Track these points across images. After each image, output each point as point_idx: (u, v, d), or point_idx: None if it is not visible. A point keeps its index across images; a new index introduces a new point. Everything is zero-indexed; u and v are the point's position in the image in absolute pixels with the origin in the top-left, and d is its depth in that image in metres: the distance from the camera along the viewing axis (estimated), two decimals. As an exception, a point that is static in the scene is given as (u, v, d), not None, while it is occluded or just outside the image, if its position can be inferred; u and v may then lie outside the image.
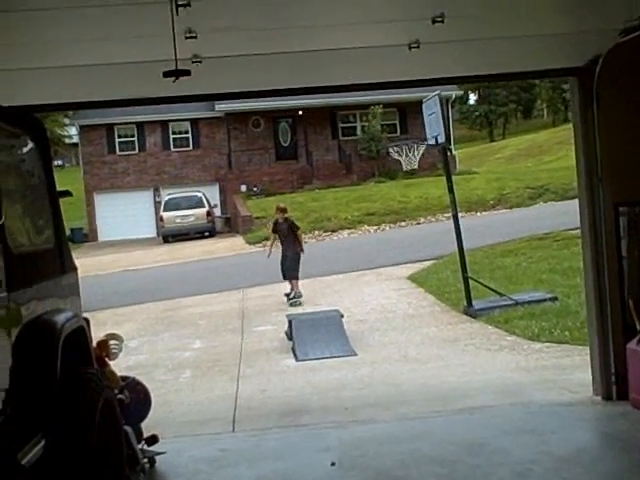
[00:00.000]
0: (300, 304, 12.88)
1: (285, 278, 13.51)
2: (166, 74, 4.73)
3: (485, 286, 11.63)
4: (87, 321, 4.93)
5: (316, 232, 24.27)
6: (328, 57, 5.92)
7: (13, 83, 5.72)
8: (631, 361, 6.15)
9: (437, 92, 11.47)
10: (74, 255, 5.49)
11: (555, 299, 10.80)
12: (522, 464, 5.17)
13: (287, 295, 13.34)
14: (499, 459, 5.33)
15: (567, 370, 7.56)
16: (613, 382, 6.37)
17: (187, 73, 4.75)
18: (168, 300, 15.17)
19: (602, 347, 6.48)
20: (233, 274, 17.95)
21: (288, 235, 13.56)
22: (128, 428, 5.29)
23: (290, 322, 10.14)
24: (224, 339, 10.96)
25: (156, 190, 34.90)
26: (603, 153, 6.38)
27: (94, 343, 5.50)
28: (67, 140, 52.90)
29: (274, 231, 13.93)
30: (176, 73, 4.69)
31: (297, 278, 13.40)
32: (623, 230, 6.54)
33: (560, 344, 8.62)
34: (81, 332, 4.59)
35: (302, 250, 13.54)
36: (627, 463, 5.14)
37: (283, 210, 13.94)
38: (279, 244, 13.84)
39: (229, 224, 31.80)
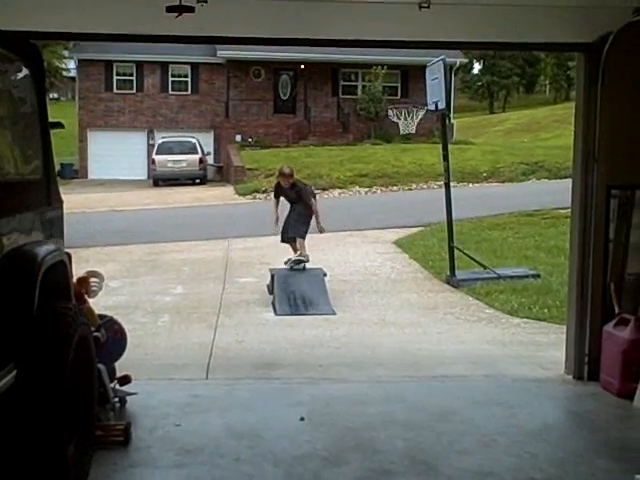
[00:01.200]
0: (304, 268, 10.48)
1: (285, 240, 10.79)
2: (169, 9, 4.66)
3: (470, 257, 11.66)
4: (69, 256, 4.90)
5: (307, 189, 24.24)
6: (336, 10, 5.83)
7: (12, 7, 5.61)
8: (606, 343, 6.21)
9: (442, 57, 11.37)
10: (63, 191, 5.44)
11: (538, 276, 10.86)
12: (488, 435, 5.23)
13: (290, 262, 10.56)
14: (466, 428, 5.38)
15: (542, 347, 7.63)
16: (586, 362, 6.43)
17: (191, 10, 4.69)
18: (153, 244, 15.15)
19: (579, 327, 6.52)
20: (221, 223, 17.91)
21: (298, 201, 10.72)
22: (101, 366, 5.30)
23: (272, 276, 10.16)
24: (206, 287, 10.97)
25: (150, 132, 34.67)
26: (602, 134, 6.35)
27: (74, 279, 5.49)
28: (65, 73, 52.34)
29: (276, 196, 10.96)
30: (179, 9, 4.62)
31: (303, 237, 10.68)
32: (613, 213, 6.54)
33: (538, 321, 8.69)
34: (62, 266, 4.56)
35: (312, 214, 10.59)
36: (592, 442, 5.20)
37: (288, 176, 10.68)
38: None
39: (221, 173, 31.66)
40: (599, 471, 4.66)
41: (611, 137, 6.31)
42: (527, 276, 10.88)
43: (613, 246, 6.56)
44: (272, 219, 10.74)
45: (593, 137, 6.41)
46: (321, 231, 10.82)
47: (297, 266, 10.46)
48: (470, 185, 24.80)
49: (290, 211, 10.79)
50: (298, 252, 10.67)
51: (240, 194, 24.50)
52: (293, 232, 10.63)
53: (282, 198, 10.78)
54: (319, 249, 14.35)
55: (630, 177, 6.36)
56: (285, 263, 10.59)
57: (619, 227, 6.63)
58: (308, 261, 10.61)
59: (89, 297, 5.74)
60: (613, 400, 5.95)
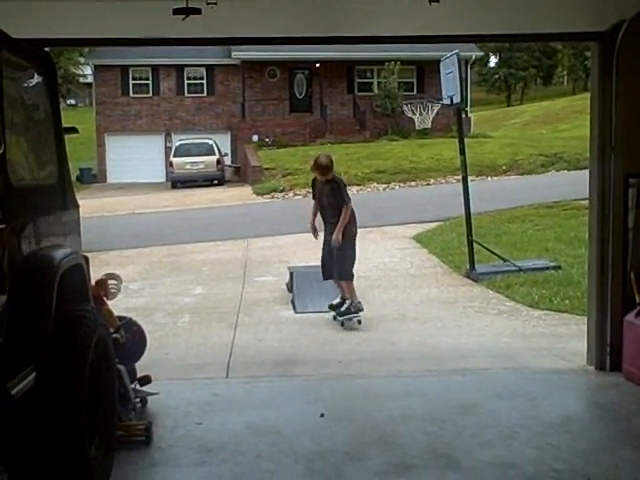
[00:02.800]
0: (359, 322, 8.39)
1: (328, 277, 8.62)
2: (176, 11, 4.68)
3: (489, 250, 11.60)
4: (86, 259, 4.94)
5: (325, 187, 24.24)
6: (347, 7, 5.83)
7: (24, 15, 5.65)
8: (627, 333, 6.16)
9: (456, 51, 11.31)
10: (82, 195, 5.51)
11: (558, 268, 10.78)
12: (510, 427, 5.21)
13: (335, 307, 8.53)
14: (487, 421, 5.36)
15: (563, 338, 7.58)
16: (608, 353, 6.38)
17: (197, 11, 4.70)
18: (172, 245, 15.22)
19: (600, 318, 6.48)
20: (239, 223, 17.96)
21: (333, 205, 8.43)
22: (122, 367, 5.34)
23: (291, 274, 10.16)
24: (225, 287, 11.00)
25: (167, 135, 34.83)
26: (618, 122, 6.30)
27: (93, 282, 5.53)
28: (81, 79, 52.70)
29: (314, 197, 8.75)
30: (186, 11, 4.63)
31: (350, 278, 8.54)
32: (631, 202, 6.49)
33: (559, 312, 8.63)
34: (79, 269, 4.59)
35: (355, 232, 8.59)
36: (614, 433, 5.17)
37: (324, 168, 8.39)
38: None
39: (238, 173, 31.75)
40: (622, 461, 4.63)
41: (627, 126, 6.26)
42: (547, 268, 10.80)
43: (632, 235, 6.50)
44: (309, 226, 8.73)
45: (609, 126, 6.36)
46: (336, 244, 8.33)
47: (347, 319, 8.37)
48: (489, 178, 24.68)
49: (326, 233, 8.57)
50: (346, 301, 8.44)
51: (258, 194, 24.54)
52: (339, 272, 8.48)
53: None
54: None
55: (648, 165, 6.31)
56: (332, 310, 8.55)
57: (638, 216, 6.57)
58: (362, 310, 8.45)
59: (108, 299, 5.77)
60: (636, 390, 5.90)
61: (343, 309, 8.47)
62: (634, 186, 6.47)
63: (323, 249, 8.65)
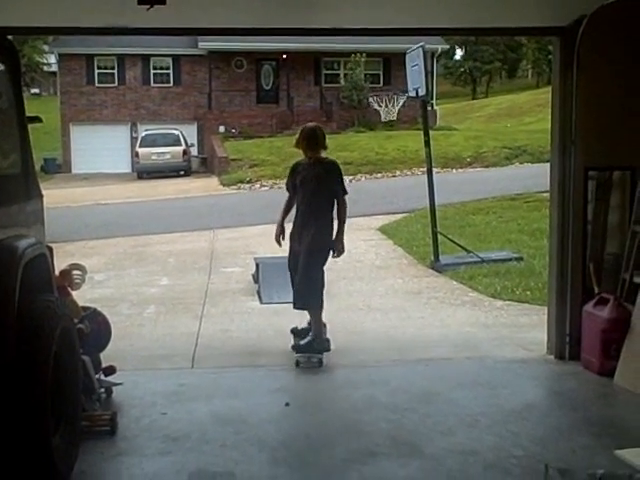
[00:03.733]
0: (320, 364, 6.46)
1: (298, 306, 6.73)
2: (141, 1, 4.66)
3: (453, 242, 11.73)
4: (50, 249, 4.93)
5: (291, 178, 24.27)
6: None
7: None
8: (586, 323, 6.30)
9: (421, 44, 11.39)
10: (46, 186, 5.48)
11: (520, 259, 10.94)
12: (471, 415, 5.30)
13: (297, 334, 6.87)
14: (449, 409, 5.45)
15: (524, 328, 7.71)
16: (567, 342, 6.52)
17: (162, 2, 4.68)
18: (138, 236, 15.15)
19: (559, 308, 6.61)
20: (205, 214, 17.92)
21: (321, 196, 6.48)
22: (86, 358, 5.34)
23: (257, 265, 10.19)
24: (191, 278, 10.99)
25: (133, 125, 34.56)
26: (579, 116, 6.42)
27: (57, 272, 5.52)
28: (46, 68, 52.01)
29: (290, 189, 6.71)
30: (150, 1, 4.62)
31: (318, 306, 6.65)
32: (591, 194, 6.63)
33: (521, 303, 8.77)
34: (43, 259, 4.58)
35: (330, 245, 6.55)
36: (572, 420, 5.29)
37: (313, 140, 6.53)
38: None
39: (205, 164, 31.62)
40: (579, 448, 4.74)
41: (587, 120, 6.38)
42: (510, 259, 10.96)
43: (592, 227, 6.65)
44: (276, 231, 6.85)
45: (570, 120, 6.47)
46: (338, 254, 6.64)
47: (304, 358, 6.49)
48: (454, 170, 24.87)
49: (295, 236, 6.61)
50: (312, 334, 6.63)
51: (225, 185, 24.49)
52: (306, 300, 6.58)
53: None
54: (304, 238, 14.42)
55: (607, 159, 6.44)
56: (293, 335, 6.91)
57: (597, 208, 6.72)
58: (327, 350, 6.59)
59: (72, 290, 5.77)
60: (594, 378, 6.04)
61: (304, 342, 6.60)
62: (593, 179, 6.61)
63: (290, 263, 6.69)
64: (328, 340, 6.73)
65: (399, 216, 16.04)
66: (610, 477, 4.03)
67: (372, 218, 16.07)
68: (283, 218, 6.85)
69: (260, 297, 9.41)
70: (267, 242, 13.59)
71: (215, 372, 6.43)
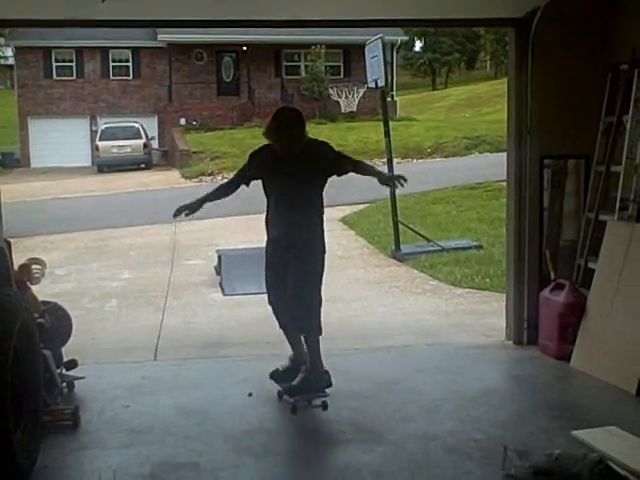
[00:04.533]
0: (324, 407, 5.18)
1: (293, 331, 5.42)
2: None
3: (414, 231, 11.84)
4: (8, 244, 4.90)
5: (252, 170, 24.23)
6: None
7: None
8: (543, 308, 6.42)
9: (380, 35, 11.46)
10: (4, 180, 5.46)
11: (480, 247, 11.09)
12: (432, 401, 5.38)
13: (279, 378, 5.50)
14: (410, 396, 5.52)
15: (484, 315, 7.83)
16: (525, 328, 6.64)
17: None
18: (99, 230, 15.04)
19: (517, 294, 6.72)
20: (167, 207, 17.67)
21: (315, 186, 5.35)
22: (47, 352, 5.31)
23: (219, 257, 10.20)
24: (153, 271, 10.95)
25: (93, 118, 34.19)
26: (534, 106, 6.52)
27: (16, 267, 5.48)
28: (2, 62, 51.14)
29: (239, 178, 5.50)
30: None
31: (317, 332, 5.29)
32: (547, 182, 6.74)
33: (480, 290, 8.90)
34: (1, 254, 4.55)
35: (324, 250, 5.31)
36: (531, 404, 5.39)
37: (296, 124, 5.25)
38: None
39: (166, 157, 31.41)
40: (538, 430, 4.84)
41: (542, 109, 6.48)
42: (470, 247, 11.11)
43: (548, 214, 6.76)
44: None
45: (525, 110, 6.57)
46: (391, 183, 6.05)
47: (303, 401, 5.19)
48: (414, 161, 25.02)
49: (282, 230, 5.20)
50: (304, 368, 5.29)
51: (186, 177, 24.37)
52: (295, 317, 5.21)
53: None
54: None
55: (562, 147, 6.55)
56: (274, 381, 5.49)
57: (553, 196, 6.83)
58: (329, 386, 5.24)
59: (32, 284, 5.72)
60: (551, 362, 6.16)
61: (297, 382, 5.21)
62: (549, 167, 6.72)
63: (267, 274, 5.33)
64: (327, 372, 5.23)
65: (361, 206, 16.12)
66: (566, 457, 4.12)
67: (334, 209, 16.06)
68: (205, 200, 5.43)
69: (222, 289, 9.42)
70: (230, 234, 13.63)
71: (178, 364, 6.43)
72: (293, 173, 5.22)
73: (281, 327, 5.52)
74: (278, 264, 5.31)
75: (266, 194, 5.39)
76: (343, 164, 5.53)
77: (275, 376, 5.59)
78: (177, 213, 5.35)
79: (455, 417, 5.09)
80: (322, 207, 5.48)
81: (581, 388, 5.74)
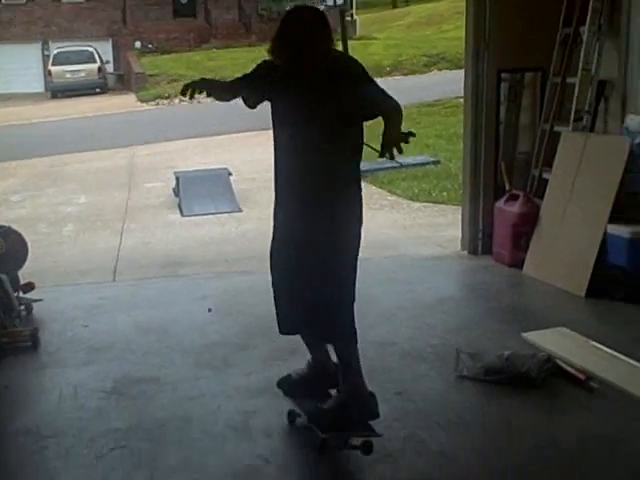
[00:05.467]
0: (369, 451, 3.40)
1: (289, 330, 3.83)
2: None
3: (372, 148, 11.80)
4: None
5: (210, 92, 23.86)
6: None
7: None
8: (497, 218, 6.51)
9: (336, -50, 11.22)
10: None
11: (438, 163, 11.15)
12: (389, 310, 5.48)
13: (289, 388, 3.94)
14: (368, 306, 5.56)
15: (440, 227, 7.92)
16: (479, 238, 6.74)
17: None
18: (55, 156, 14.78)
19: (473, 206, 6.80)
20: (124, 131, 17.54)
21: (331, 146, 3.49)
22: (3, 276, 5.29)
23: (177, 179, 10.13)
24: (110, 195, 10.85)
25: (45, 43, 33.18)
26: (492, 19, 6.46)
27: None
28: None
29: (255, 82, 3.57)
30: None
31: (352, 335, 3.65)
32: (503, 96, 6.75)
33: (437, 204, 8.99)
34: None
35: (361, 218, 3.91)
36: (485, 310, 5.51)
37: (316, 28, 3.55)
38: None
39: (122, 81, 30.74)
40: (492, 333, 4.96)
41: (500, 23, 6.43)
42: (428, 163, 11.16)
43: (504, 128, 6.80)
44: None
45: (483, 24, 6.51)
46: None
47: (342, 443, 3.48)
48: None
49: (290, 202, 3.64)
50: (336, 395, 3.65)
51: (143, 101, 23.97)
52: (323, 325, 3.63)
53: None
54: (225, 149, 14.32)
55: (519, 61, 6.54)
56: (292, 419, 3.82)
57: (510, 109, 6.85)
58: (376, 416, 3.53)
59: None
60: (505, 270, 6.29)
61: (329, 408, 3.54)
62: (506, 81, 6.72)
63: (274, 260, 3.83)
64: (373, 396, 3.53)
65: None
66: (516, 357, 4.25)
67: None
68: (223, 89, 3.50)
69: (181, 210, 9.39)
70: (188, 156, 13.50)
71: (136, 284, 6.44)
72: (320, 89, 3.40)
73: (285, 332, 3.84)
74: (284, 245, 3.70)
75: (257, 96, 3.58)
76: (371, 98, 3.49)
77: (286, 386, 3.94)
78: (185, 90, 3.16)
79: (412, 324, 5.19)
80: (356, 154, 3.75)
81: (533, 293, 5.88)
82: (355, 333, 3.66)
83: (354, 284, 3.78)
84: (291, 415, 3.80)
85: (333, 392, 3.74)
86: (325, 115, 3.42)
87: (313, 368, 3.88)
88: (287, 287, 3.73)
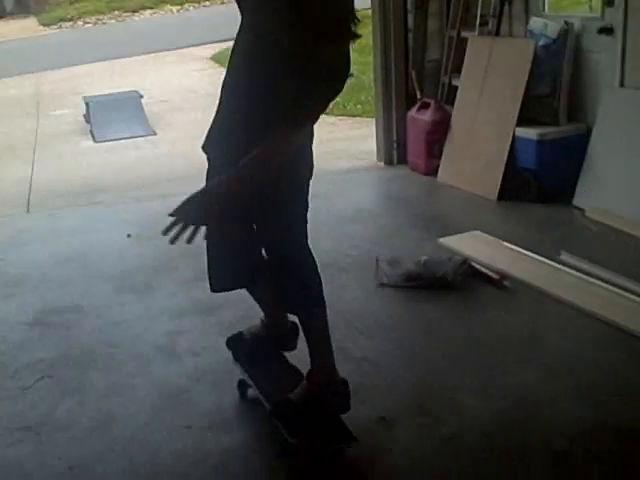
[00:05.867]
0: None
1: (226, 285, 3.05)
2: None
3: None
4: None
5: (115, 12, 22.94)
6: None
7: None
8: (410, 127, 6.59)
9: None
10: None
11: (351, 75, 10.98)
12: (311, 224, 5.52)
13: (243, 358, 3.27)
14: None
15: (356, 140, 7.95)
16: (394, 148, 6.83)
17: None
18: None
19: (386, 117, 6.85)
20: (26, 58, 16.80)
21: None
22: None
23: (87, 104, 9.84)
24: (17, 124, 10.46)
25: None
26: None
27: None
28: None
29: None
30: None
31: (322, 301, 2.88)
32: (410, 4, 6.74)
33: (352, 117, 9.00)
34: None
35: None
36: (402, 218, 5.62)
37: None
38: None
39: (20, 4, 29.26)
40: (411, 240, 5.09)
41: None
42: (342, 76, 11.10)
43: (413, 36, 6.81)
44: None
45: None
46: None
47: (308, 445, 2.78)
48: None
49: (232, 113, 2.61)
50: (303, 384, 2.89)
51: (44, 25, 22.89)
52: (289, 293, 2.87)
53: None
54: (134, 72, 13.92)
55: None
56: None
57: (418, 17, 6.84)
58: (346, 407, 2.86)
59: None
60: (420, 178, 6.41)
61: (297, 399, 2.84)
62: (413, -12, 6.70)
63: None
64: (345, 383, 2.91)
65: (231, 43, 15.63)
66: (433, 262, 4.39)
67: (203, 48, 15.64)
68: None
69: (93, 136, 9.15)
70: (96, 81, 13.08)
71: (52, 214, 6.30)
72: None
73: (219, 289, 3.09)
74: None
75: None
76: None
77: (234, 345, 3.35)
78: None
79: (331, 236, 5.26)
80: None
81: (448, 199, 6.02)
82: (322, 298, 2.93)
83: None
84: (242, 386, 3.27)
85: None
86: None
87: (266, 327, 3.28)
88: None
